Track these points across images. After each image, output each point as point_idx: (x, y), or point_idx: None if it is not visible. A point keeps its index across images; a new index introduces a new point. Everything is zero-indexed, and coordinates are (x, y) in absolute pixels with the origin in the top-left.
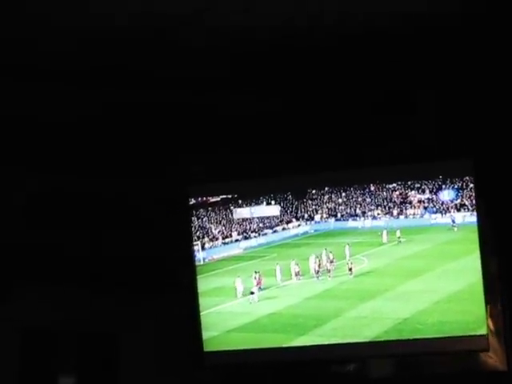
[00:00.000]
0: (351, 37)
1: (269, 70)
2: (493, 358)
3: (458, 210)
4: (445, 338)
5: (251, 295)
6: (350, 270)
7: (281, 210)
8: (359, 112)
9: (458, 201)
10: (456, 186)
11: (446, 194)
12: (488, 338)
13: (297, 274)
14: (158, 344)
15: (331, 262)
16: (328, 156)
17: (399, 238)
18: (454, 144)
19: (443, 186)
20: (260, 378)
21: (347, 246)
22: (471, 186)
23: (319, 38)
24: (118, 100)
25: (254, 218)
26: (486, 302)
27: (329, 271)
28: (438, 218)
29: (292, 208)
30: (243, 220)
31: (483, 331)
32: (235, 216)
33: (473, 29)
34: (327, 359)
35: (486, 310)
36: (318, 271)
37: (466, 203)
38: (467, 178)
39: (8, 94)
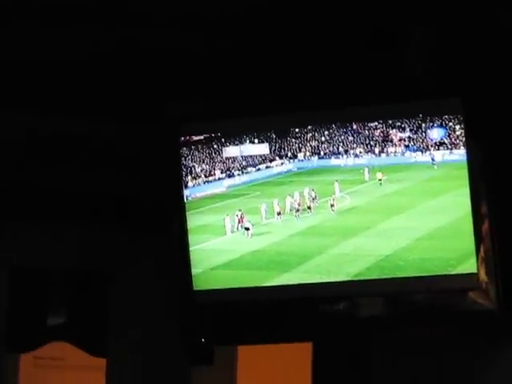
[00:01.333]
0: None
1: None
2: (482, 297)
3: (438, 149)
4: (434, 276)
5: (246, 231)
6: (332, 205)
7: (273, 149)
8: (343, 50)
9: (438, 139)
10: (436, 125)
11: (427, 133)
12: (478, 277)
13: (279, 213)
14: (150, 282)
15: (313, 199)
16: (311, 94)
17: (380, 180)
18: (439, 83)
19: (423, 125)
20: (245, 317)
21: (336, 183)
22: (450, 124)
23: None
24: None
25: (237, 156)
26: (476, 240)
27: (309, 208)
28: (419, 156)
29: (275, 146)
30: (227, 158)
31: (464, 268)
32: (224, 154)
33: None
34: (312, 297)
35: (476, 248)
36: (298, 209)
37: (446, 142)
38: (447, 116)
39: None
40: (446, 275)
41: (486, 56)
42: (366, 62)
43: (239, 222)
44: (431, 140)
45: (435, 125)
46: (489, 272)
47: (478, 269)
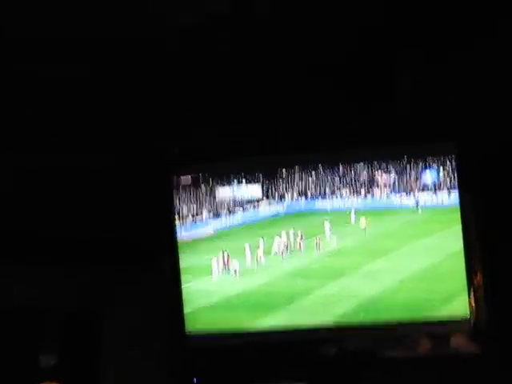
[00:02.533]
0: None
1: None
2: (472, 341)
3: (422, 191)
4: (427, 320)
5: (234, 272)
6: (318, 244)
7: (260, 190)
8: (333, 92)
9: (422, 182)
10: (420, 168)
11: (413, 175)
12: (470, 321)
13: (266, 253)
14: (141, 322)
15: (300, 240)
16: (299, 136)
17: (364, 228)
18: (429, 127)
19: (408, 167)
20: (236, 360)
21: (326, 222)
22: (435, 167)
23: None
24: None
25: (226, 197)
26: (469, 284)
27: (295, 249)
28: (403, 199)
29: (263, 187)
30: (215, 199)
31: (448, 310)
32: (216, 195)
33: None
34: (302, 340)
35: (469, 292)
36: (283, 251)
37: (429, 186)
38: (431, 158)
39: None
40: (434, 320)
41: (478, 100)
42: (358, 104)
43: (225, 264)
44: (417, 183)
45: (420, 168)
46: (479, 316)
47: (470, 313)
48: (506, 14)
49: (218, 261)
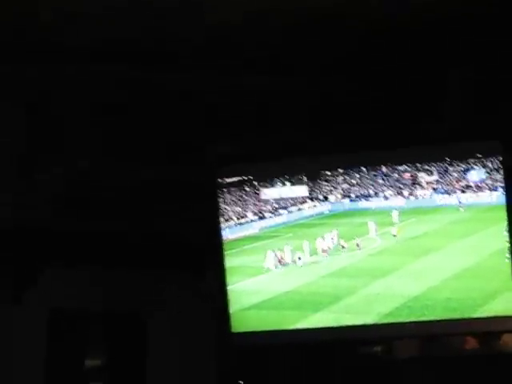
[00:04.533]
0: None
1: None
2: None
3: (464, 192)
4: (471, 318)
5: (299, 260)
6: (358, 245)
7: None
8: (378, 93)
9: (465, 183)
10: (462, 168)
11: (457, 175)
12: None
13: (311, 253)
14: (188, 323)
15: (344, 241)
16: (342, 137)
17: (395, 236)
18: (477, 126)
19: (450, 168)
20: (282, 360)
21: (371, 223)
22: (477, 168)
23: None
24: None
25: (270, 199)
26: None
27: (341, 249)
28: (446, 199)
29: (307, 189)
30: (259, 201)
31: (488, 309)
32: (262, 196)
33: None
34: (346, 340)
35: None
36: (326, 250)
37: (472, 185)
38: (472, 160)
39: None
40: (478, 318)
41: None
42: (402, 104)
43: (279, 262)
44: (457, 183)
45: (463, 168)
46: None
47: None
48: None
49: (266, 259)
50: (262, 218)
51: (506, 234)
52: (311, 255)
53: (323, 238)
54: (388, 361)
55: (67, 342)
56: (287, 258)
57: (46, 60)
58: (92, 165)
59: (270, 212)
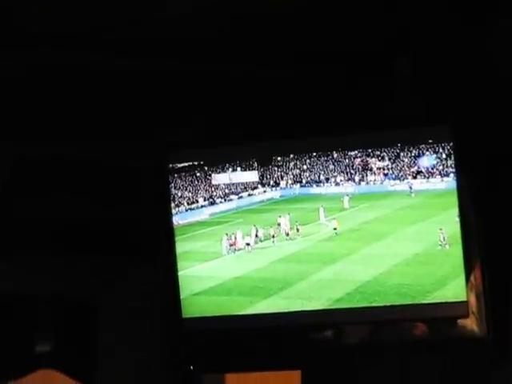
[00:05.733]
0: None
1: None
2: (472, 324)
3: (415, 178)
4: (423, 304)
5: (246, 246)
6: (298, 230)
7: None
8: (327, 78)
9: (415, 168)
10: (413, 154)
11: (406, 162)
12: (467, 304)
13: (259, 238)
14: (138, 309)
15: (295, 224)
16: (294, 123)
17: (335, 229)
18: (426, 110)
19: (401, 154)
20: (233, 345)
21: (321, 208)
22: (428, 153)
23: None
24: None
25: (221, 184)
26: (466, 267)
27: (287, 234)
28: (397, 185)
29: (258, 174)
30: (210, 186)
31: (439, 294)
32: (212, 181)
33: None
34: (298, 324)
35: (466, 276)
36: (277, 236)
37: (423, 170)
38: (423, 145)
39: None
40: (429, 303)
41: (473, 83)
42: (351, 89)
43: (231, 246)
44: (408, 169)
45: (413, 154)
46: (478, 299)
47: (467, 296)
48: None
49: (214, 245)
50: (212, 203)
51: (457, 219)
52: (262, 241)
53: (274, 223)
54: (338, 346)
55: (15, 329)
56: (239, 244)
57: None
58: (42, 147)
59: (221, 197)
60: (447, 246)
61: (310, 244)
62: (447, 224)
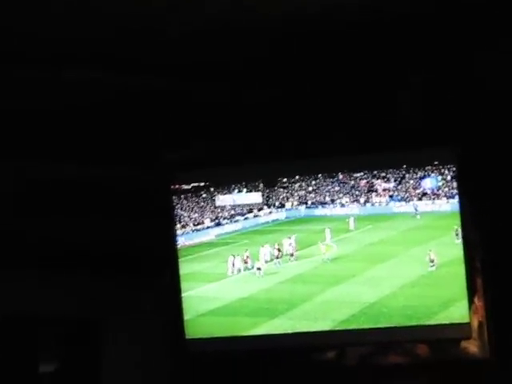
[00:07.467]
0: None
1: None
2: (475, 346)
3: (420, 199)
4: (427, 325)
5: (257, 270)
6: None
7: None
8: (334, 100)
9: (421, 190)
10: (419, 176)
11: (411, 183)
12: (470, 326)
13: (266, 261)
14: (142, 329)
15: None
16: (299, 145)
17: (324, 253)
18: (431, 133)
19: (407, 176)
20: (236, 366)
21: (328, 230)
22: (432, 175)
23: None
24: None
25: (226, 205)
26: (469, 290)
27: (292, 255)
28: (402, 207)
29: (263, 196)
30: (216, 207)
31: (446, 316)
32: (217, 203)
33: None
34: (302, 346)
35: (469, 298)
36: (278, 256)
37: (428, 192)
38: (428, 167)
39: None
40: (433, 325)
41: (478, 107)
42: (357, 112)
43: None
44: (414, 190)
45: (419, 176)
46: (481, 321)
47: (470, 318)
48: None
49: (219, 266)
50: (218, 224)
51: (461, 241)
52: (267, 262)
53: (279, 244)
54: (341, 367)
55: (19, 349)
56: (244, 265)
57: None
58: (45, 166)
59: (227, 218)
60: (434, 268)
61: (315, 265)
62: (452, 246)
